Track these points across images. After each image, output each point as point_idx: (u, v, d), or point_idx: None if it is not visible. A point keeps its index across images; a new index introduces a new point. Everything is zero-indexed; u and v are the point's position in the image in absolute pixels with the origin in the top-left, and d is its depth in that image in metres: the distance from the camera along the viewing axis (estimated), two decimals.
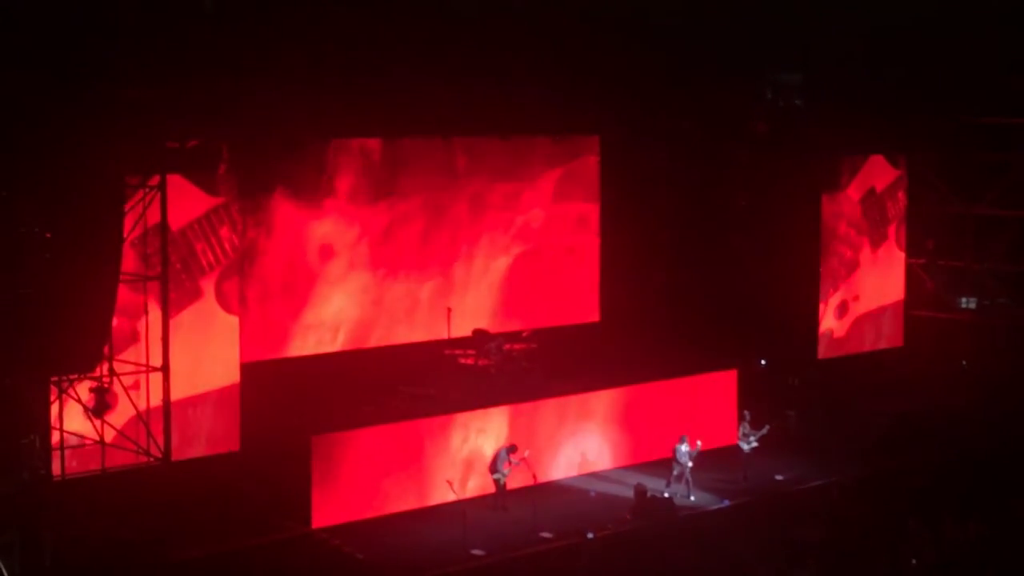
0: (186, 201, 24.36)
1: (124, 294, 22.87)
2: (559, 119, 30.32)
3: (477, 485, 26.36)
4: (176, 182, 23.82)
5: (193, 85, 22.90)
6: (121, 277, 22.11)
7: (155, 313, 23.75)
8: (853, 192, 33.96)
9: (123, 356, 23.57)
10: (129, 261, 23.05)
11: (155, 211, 23.36)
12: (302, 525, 24.29)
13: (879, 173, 34.64)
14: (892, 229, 35.08)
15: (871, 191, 34.48)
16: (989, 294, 34.89)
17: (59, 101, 20.84)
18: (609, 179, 33.04)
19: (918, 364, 34.39)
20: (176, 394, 23.88)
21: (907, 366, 34.41)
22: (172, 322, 23.94)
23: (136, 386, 23.64)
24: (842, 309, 34.07)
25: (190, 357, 24.43)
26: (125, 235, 22.29)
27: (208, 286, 24.89)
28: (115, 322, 22.78)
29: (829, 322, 33.80)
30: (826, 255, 33.41)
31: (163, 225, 23.43)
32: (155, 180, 23.18)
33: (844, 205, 33.78)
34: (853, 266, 34.33)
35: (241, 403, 24.92)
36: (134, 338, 23.89)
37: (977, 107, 33.06)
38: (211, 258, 24.95)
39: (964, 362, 34.34)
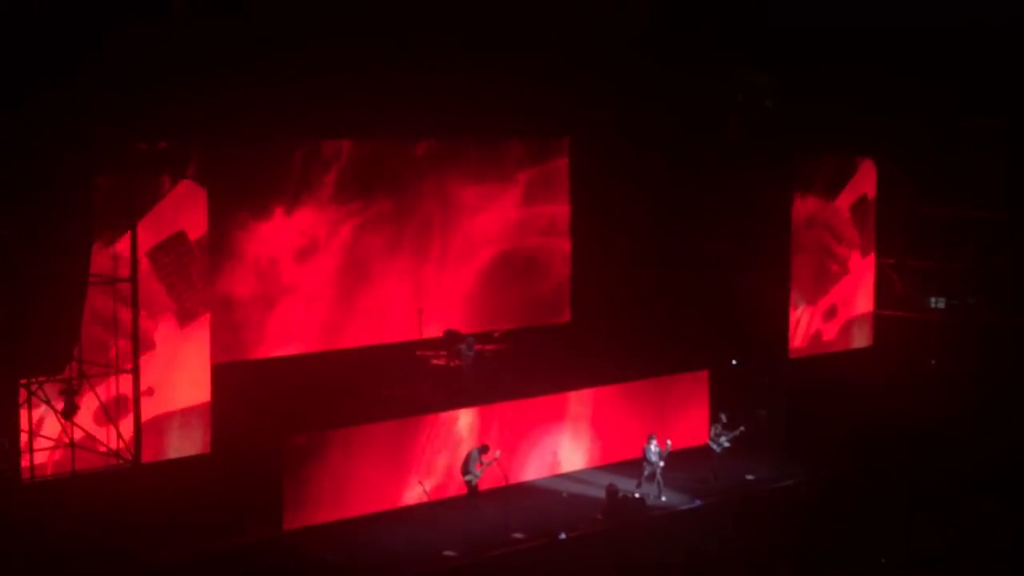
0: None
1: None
2: (530, 121, 30.35)
3: (449, 486, 26.36)
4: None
5: (163, 87, 22.82)
6: (90, 280, 22.04)
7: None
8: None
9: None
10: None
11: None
12: (273, 527, 24.24)
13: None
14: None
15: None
16: (958, 294, 35.05)
17: (27, 102, 20.74)
18: (580, 181, 33.09)
19: (887, 364, 34.51)
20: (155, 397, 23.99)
21: (877, 366, 34.53)
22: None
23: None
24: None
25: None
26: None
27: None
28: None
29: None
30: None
31: (133, 227, 23.36)
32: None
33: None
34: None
35: (212, 405, 24.84)
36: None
37: (946, 109, 33.22)
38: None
39: (933, 361, 34.48)
